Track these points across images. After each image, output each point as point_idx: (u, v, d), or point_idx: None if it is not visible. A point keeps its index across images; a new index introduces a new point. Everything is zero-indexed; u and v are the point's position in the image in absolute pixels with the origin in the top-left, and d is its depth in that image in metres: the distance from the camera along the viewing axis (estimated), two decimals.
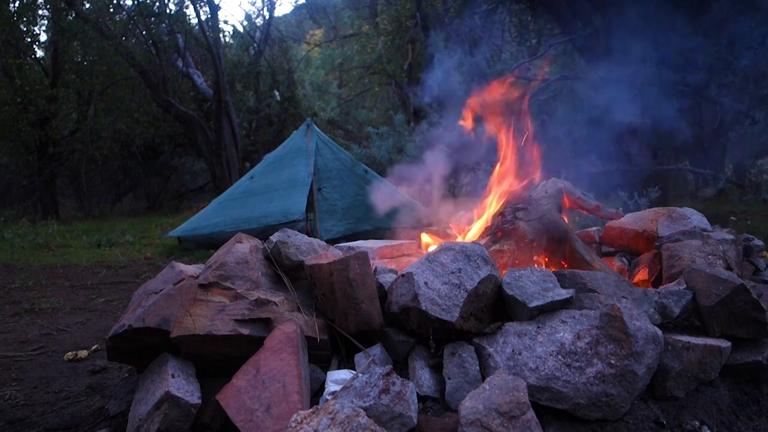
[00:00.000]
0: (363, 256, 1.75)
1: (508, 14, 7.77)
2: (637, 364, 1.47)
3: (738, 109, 5.00)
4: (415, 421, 1.42)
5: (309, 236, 2.05)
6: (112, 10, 12.80)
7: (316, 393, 1.65)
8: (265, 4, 19.28)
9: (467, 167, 6.86)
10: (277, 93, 16.19)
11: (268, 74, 16.23)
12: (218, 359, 1.70)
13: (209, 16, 13.52)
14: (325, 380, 1.64)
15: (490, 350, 1.59)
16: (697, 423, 1.54)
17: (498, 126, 2.82)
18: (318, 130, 7.58)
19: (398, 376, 1.47)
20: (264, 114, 16.20)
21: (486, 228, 2.40)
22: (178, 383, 1.56)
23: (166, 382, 1.54)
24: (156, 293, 1.79)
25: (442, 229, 3.67)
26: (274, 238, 1.95)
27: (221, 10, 23.99)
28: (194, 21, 14.23)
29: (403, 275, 1.76)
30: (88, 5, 12.79)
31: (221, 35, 15.35)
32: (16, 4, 11.40)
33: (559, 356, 1.51)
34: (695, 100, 5.02)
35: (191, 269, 1.92)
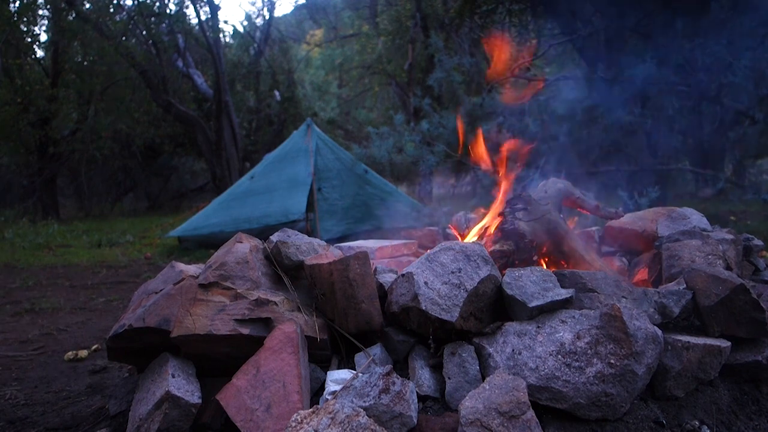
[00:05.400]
0: (363, 256, 1.75)
1: (508, 14, 7.76)
2: (636, 363, 1.47)
3: (738, 109, 5.00)
4: (415, 420, 1.42)
5: (309, 236, 2.05)
6: (112, 10, 12.80)
7: (316, 393, 1.65)
8: (265, 4, 19.32)
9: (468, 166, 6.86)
10: (277, 93, 16.20)
11: (268, 74, 16.25)
12: (218, 359, 1.70)
13: (209, 16, 13.54)
14: (325, 380, 1.64)
15: (490, 350, 1.59)
16: (696, 423, 1.54)
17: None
18: (318, 130, 7.58)
19: (398, 376, 1.47)
20: (264, 114, 16.21)
21: (485, 228, 2.40)
22: (179, 383, 1.56)
23: (167, 381, 1.54)
24: (156, 293, 1.79)
25: (442, 229, 3.67)
26: (274, 237, 1.95)
27: (221, 10, 24.00)
28: (194, 21, 14.27)
29: (403, 275, 1.76)
30: (88, 5, 12.79)
31: (221, 35, 15.37)
32: (17, 4, 11.41)
33: (559, 356, 1.51)
34: (695, 100, 5.02)
35: (191, 269, 1.92)
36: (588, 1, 6.03)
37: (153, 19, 12.41)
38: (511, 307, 1.70)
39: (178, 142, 15.83)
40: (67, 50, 12.67)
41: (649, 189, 4.79)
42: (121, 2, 13.09)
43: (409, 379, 1.62)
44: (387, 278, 1.94)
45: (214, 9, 13.60)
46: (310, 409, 1.31)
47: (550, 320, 1.62)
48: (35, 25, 12.49)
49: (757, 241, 2.50)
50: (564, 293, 1.68)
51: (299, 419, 1.29)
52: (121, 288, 4.85)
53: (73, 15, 12.05)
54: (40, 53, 13.68)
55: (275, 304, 1.72)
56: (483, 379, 1.56)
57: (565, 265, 2.24)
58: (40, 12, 12.60)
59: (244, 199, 7.15)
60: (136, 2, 12.20)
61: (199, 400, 1.57)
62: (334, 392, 1.51)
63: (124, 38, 12.48)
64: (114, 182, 16.40)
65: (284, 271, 1.91)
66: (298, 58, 18.76)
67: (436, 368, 1.66)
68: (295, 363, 1.53)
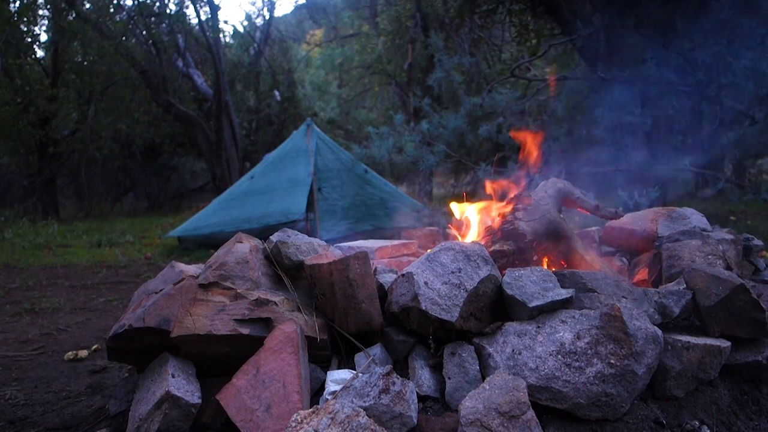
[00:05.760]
0: (363, 256, 1.75)
1: (508, 14, 7.77)
2: (637, 363, 1.47)
3: (738, 109, 4.99)
4: (415, 420, 1.42)
5: (309, 236, 2.05)
6: (112, 10, 12.80)
7: (316, 393, 1.65)
8: (265, 4, 19.32)
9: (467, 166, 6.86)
10: (277, 93, 16.21)
11: (268, 74, 16.25)
12: (218, 359, 1.70)
13: (209, 16, 13.54)
14: (325, 380, 1.64)
15: (490, 350, 1.59)
16: (696, 423, 1.54)
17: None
18: (318, 130, 7.58)
19: (398, 376, 1.47)
20: (264, 114, 16.21)
21: (486, 228, 2.40)
22: (179, 383, 1.56)
23: (167, 381, 1.54)
24: (156, 293, 1.79)
25: (442, 228, 3.66)
26: (274, 237, 1.95)
27: (221, 10, 24.02)
28: (194, 21, 14.27)
29: (403, 275, 1.76)
30: (88, 5, 12.80)
31: (221, 35, 15.37)
32: (17, 4, 11.41)
33: (559, 356, 1.51)
34: (695, 100, 5.01)
35: (191, 269, 1.92)
36: (588, 1, 6.03)
37: (153, 19, 12.42)
38: (511, 307, 1.70)
39: (178, 142, 15.83)
40: (67, 50, 12.66)
41: (649, 189, 4.79)
42: (121, 2, 13.10)
43: (409, 379, 1.62)
44: (387, 278, 1.94)
45: (214, 9, 13.60)
46: (310, 409, 1.31)
47: (550, 320, 1.62)
48: (35, 25, 12.49)
49: (757, 241, 2.50)
50: (564, 293, 1.68)
51: (299, 419, 1.29)
52: (121, 288, 4.85)
53: (73, 15, 12.05)
54: (40, 53, 13.70)
55: (275, 304, 1.72)
56: (483, 379, 1.56)
57: (565, 265, 2.24)
58: (40, 12, 12.61)
59: (243, 199, 7.15)
60: (136, 2, 12.21)
61: (199, 400, 1.57)
62: (334, 392, 1.51)
63: (124, 38, 12.49)
64: (114, 182, 16.40)
65: (284, 271, 1.91)
66: (298, 58, 18.77)
67: (436, 368, 1.66)
68: (295, 363, 1.53)
